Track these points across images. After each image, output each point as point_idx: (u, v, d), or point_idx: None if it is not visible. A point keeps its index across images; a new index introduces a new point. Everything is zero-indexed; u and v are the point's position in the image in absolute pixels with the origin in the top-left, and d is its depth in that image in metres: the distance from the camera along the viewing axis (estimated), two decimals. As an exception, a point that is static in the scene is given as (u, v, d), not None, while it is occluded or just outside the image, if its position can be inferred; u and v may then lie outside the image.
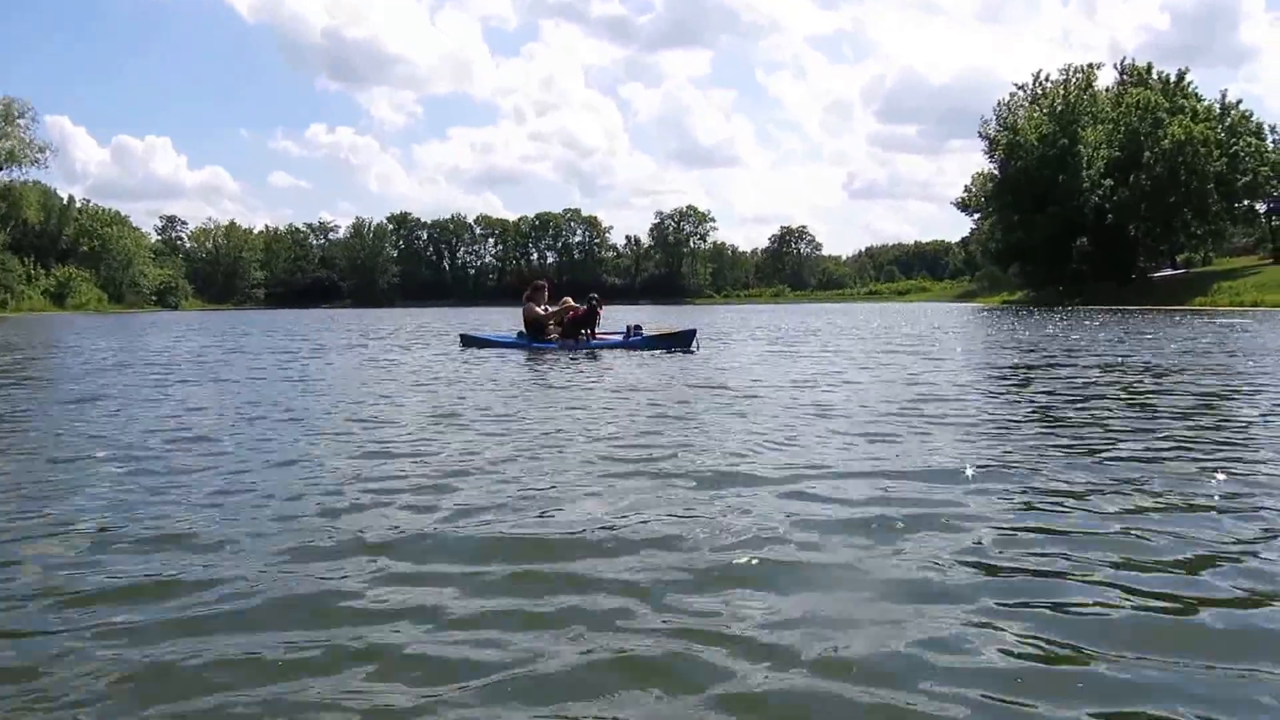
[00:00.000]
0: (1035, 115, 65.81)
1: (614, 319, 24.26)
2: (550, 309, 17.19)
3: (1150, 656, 2.60)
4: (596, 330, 17.26)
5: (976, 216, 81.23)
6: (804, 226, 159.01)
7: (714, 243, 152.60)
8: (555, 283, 17.89)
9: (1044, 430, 6.60)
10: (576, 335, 16.93)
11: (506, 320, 33.44)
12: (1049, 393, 9.09)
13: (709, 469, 5.13)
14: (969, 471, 4.99)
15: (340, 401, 8.99)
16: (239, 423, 7.28)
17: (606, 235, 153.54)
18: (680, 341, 16.59)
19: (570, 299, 17.52)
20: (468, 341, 18.69)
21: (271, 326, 37.16)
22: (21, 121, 75.63)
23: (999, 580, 3.27)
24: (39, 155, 77.20)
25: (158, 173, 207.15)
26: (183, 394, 9.74)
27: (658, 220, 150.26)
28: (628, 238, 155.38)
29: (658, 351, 15.64)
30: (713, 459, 5.44)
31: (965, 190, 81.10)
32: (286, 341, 22.90)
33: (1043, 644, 2.69)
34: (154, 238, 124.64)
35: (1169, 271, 66.95)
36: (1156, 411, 7.53)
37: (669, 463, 5.33)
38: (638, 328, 17.13)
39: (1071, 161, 61.72)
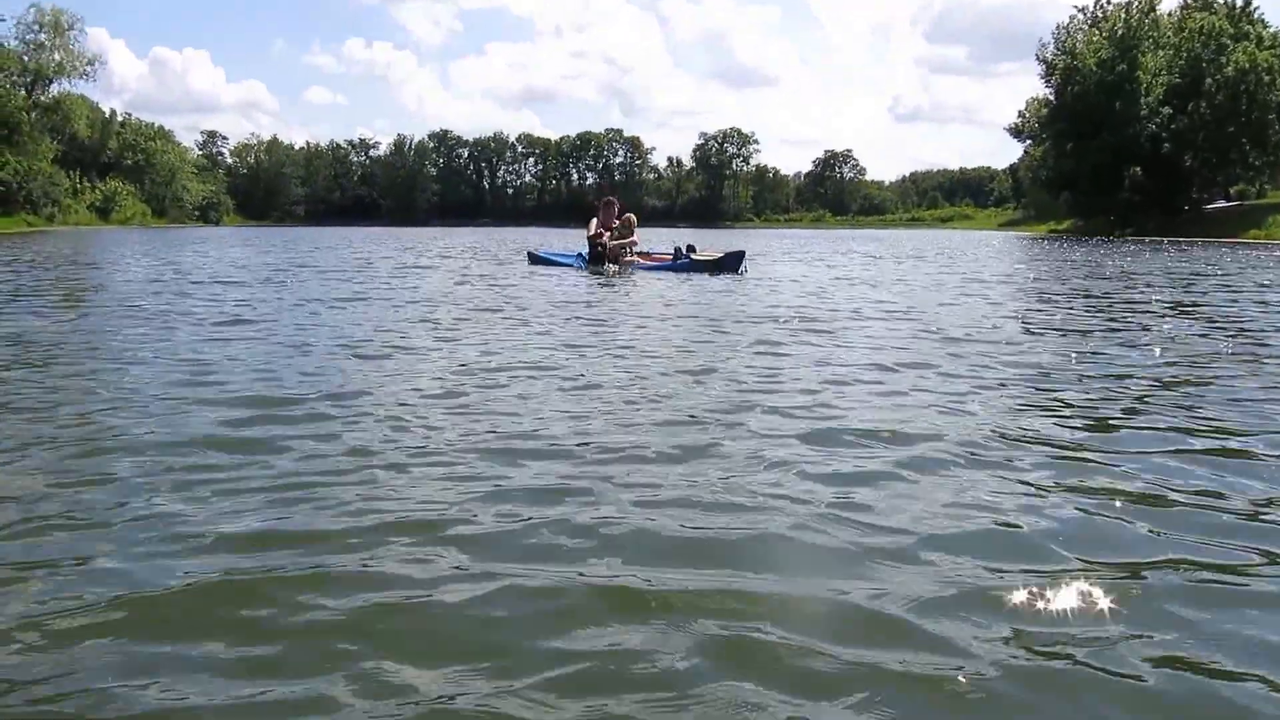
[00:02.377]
0: (1095, 39, 63.84)
1: (654, 240, 23.95)
2: (602, 233, 17.08)
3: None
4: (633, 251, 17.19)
5: (1029, 143, 79.41)
6: (849, 150, 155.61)
7: (756, 165, 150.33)
8: (595, 204, 18.00)
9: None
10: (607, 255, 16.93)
11: (555, 241, 33.56)
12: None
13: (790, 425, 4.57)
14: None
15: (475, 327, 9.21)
16: (384, 350, 7.00)
17: (648, 156, 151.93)
18: (728, 265, 16.51)
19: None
20: (534, 259, 19.28)
21: (327, 243, 37.30)
22: (71, 33, 75.05)
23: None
24: (88, 68, 76.68)
25: (195, 87, 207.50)
26: (306, 313, 9.61)
27: (701, 141, 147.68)
28: (669, 159, 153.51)
29: (704, 275, 15.67)
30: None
31: (1019, 115, 79.23)
32: (359, 259, 22.72)
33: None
34: (195, 153, 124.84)
35: (1222, 203, 65.37)
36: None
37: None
38: (690, 248, 17.07)
39: (1129, 88, 60.04)
